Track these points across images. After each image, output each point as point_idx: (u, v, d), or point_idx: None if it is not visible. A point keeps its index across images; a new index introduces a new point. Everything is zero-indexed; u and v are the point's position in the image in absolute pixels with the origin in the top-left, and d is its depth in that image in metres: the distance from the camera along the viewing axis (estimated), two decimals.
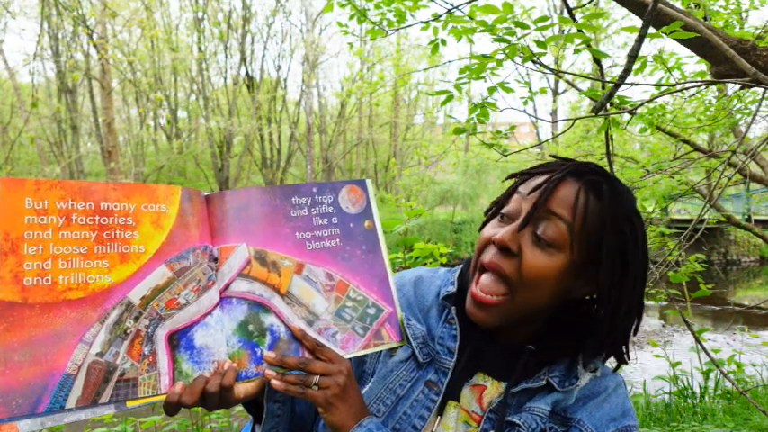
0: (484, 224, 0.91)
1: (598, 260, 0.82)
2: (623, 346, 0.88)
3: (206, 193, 0.83)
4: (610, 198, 0.82)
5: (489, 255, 0.85)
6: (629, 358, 0.90)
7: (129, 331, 0.72)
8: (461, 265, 1.00)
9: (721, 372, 2.46)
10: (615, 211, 0.82)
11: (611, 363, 0.93)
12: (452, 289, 0.94)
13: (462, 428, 0.87)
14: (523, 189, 0.86)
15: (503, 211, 0.87)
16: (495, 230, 0.86)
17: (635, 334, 0.88)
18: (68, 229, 0.71)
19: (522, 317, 0.86)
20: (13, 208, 0.68)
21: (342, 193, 0.89)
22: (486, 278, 0.85)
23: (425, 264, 2.80)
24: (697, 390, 4.32)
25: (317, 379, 0.79)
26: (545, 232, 0.81)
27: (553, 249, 0.81)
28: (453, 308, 0.93)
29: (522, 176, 0.90)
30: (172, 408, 0.73)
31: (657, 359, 4.67)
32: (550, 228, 0.81)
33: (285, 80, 24.21)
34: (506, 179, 0.94)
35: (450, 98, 2.24)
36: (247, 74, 22.78)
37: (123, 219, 0.74)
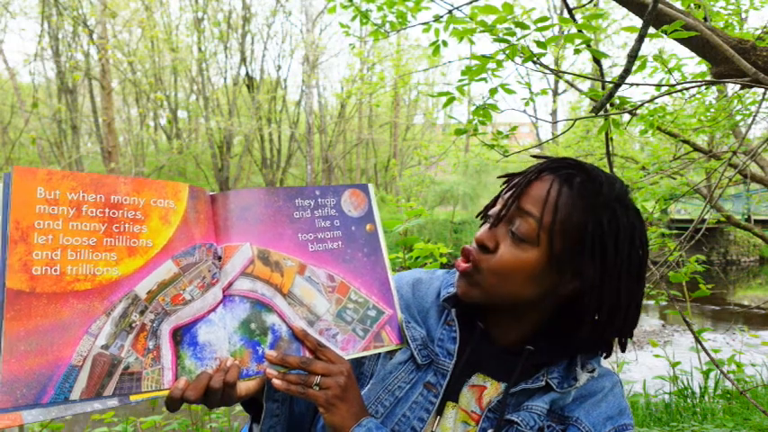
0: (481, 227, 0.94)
1: (579, 251, 0.82)
2: (615, 338, 0.88)
3: (211, 193, 0.83)
4: (582, 187, 0.83)
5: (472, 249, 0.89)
6: (623, 349, 0.89)
7: (134, 325, 0.72)
8: None
9: (721, 372, 2.46)
10: (589, 199, 0.82)
11: (610, 363, 0.93)
12: (453, 290, 0.94)
13: (461, 428, 0.88)
14: (505, 191, 0.90)
15: (489, 213, 0.91)
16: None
17: (630, 329, 0.86)
18: (78, 221, 0.71)
19: (506, 307, 0.88)
20: (25, 196, 0.68)
21: (344, 197, 0.90)
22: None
23: (425, 264, 2.80)
24: (697, 390, 4.31)
25: (318, 379, 0.79)
26: (518, 229, 0.83)
27: (526, 245, 0.83)
28: (453, 309, 0.94)
29: (509, 179, 0.92)
30: (174, 403, 0.74)
31: (657, 359, 4.67)
32: (523, 224, 0.83)
33: (285, 80, 24.19)
34: (500, 179, 0.97)
35: (451, 100, 2.24)
36: (247, 74, 22.75)
37: (132, 212, 0.74)
